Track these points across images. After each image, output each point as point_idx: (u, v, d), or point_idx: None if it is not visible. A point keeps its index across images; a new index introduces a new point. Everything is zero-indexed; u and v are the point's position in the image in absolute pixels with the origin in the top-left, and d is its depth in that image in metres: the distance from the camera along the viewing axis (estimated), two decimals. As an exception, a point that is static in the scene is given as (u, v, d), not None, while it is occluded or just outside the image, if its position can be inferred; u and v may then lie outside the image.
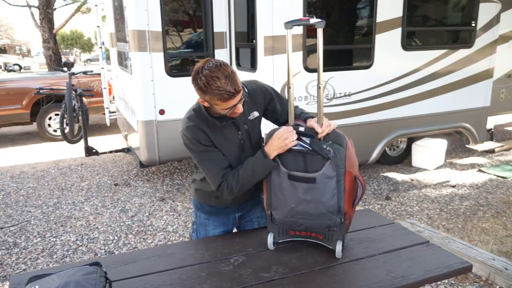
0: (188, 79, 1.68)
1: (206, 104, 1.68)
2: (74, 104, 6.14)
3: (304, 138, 1.68)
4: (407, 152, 5.44)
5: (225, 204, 1.94)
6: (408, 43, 4.61)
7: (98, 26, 5.36)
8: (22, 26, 31.99)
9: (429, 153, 5.25)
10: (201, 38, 4.52)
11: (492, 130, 6.18)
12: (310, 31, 4.04)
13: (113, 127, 6.98)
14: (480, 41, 4.94)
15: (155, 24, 4.11)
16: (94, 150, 5.24)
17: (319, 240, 1.78)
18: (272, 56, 3.91)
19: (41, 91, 6.87)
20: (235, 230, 2.10)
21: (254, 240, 1.88)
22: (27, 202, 4.49)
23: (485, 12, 4.89)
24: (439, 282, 2.77)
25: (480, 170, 5.17)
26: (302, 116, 1.85)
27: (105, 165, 5.79)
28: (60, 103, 6.45)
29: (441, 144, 5.31)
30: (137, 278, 1.61)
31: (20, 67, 24.84)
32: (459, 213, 3.97)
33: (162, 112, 4.27)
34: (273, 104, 1.90)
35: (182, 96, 3.45)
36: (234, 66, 4.58)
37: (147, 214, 4.11)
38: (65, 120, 6.22)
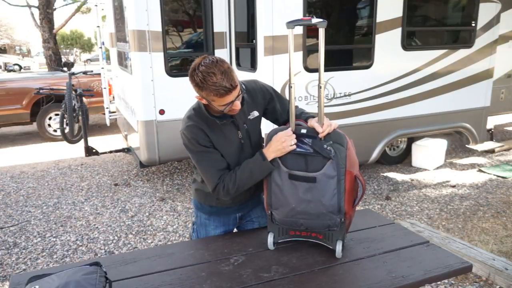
0: (188, 79, 1.68)
1: (204, 101, 1.69)
2: (74, 104, 6.15)
3: (305, 140, 1.67)
4: (407, 152, 5.44)
5: (225, 204, 1.94)
6: (408, 43, 4.61)
7: (98, 26, 5.36)
8: (22, 26, 32.01)
9: (429, 153, 5.25)
10: (201, 38, 4.52)
11: (492, 130, 6.18)
12: (310, 31, 4.04)
13: (113, 127, 6.98)
14: (480, 41, 4.94)
15: (155, 24, 4.11)
16: (94, 150, 5.24)
17: (319, 240, 1.78)
18: (272, 56, 3.91)
19: (41, 91, 6.88)
20: (235, 230, 2.10)
21: (254, 240, 1.88)
22: (27, 202, 4.49)
23: (485, 12, 4.89)
24: (439, 282, 2.77)
25: (480, 170, 5.17)
26: (302, 116, 1.85)
27: (105, 165, 5.79)
28: (60, 103, 6.45)
29: (441, 144, 5.31)
30: (137, 278, 1.61)
31: (20, 67, 24.84)
32: (459, 213, 3.97)
33: (162, 112, 4.27)
34: (273, 104, 1.90)
35: (182, 96, 3.45)
36: (234, 66, 4.58)
37: (147, 214, 4.11)
38: (65, 120, 6.22)
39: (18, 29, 32.08)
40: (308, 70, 4.09)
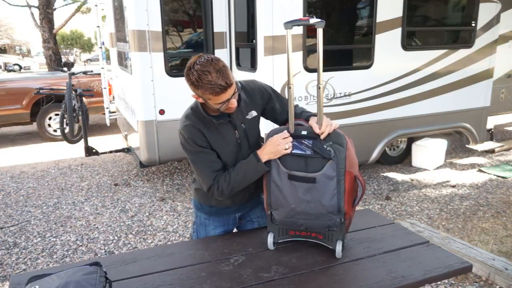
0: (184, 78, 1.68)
1: (200, 100, 1.69)
2: (74, 104, 6.15)
3: (305, 141, 1.67)
4: (407, 152, 5.44)
5: (225, 204, 1.94)
6: (408, 43, 4.61)
7: (98, 26, 5.36)
8: (22, 26, 32.02)
9: (429, 153, 5.25)
10: (201, 38, 4.52)
11: (492, 130, 6.18)
12: (310, 31, 4.04)
13: (113, 127, 6.98)
14: (480, 41, 4.94)
15: (155, 24, 4.11)
16: (94, 150, 5.24)
17: (319, 240, 1.78)
18: (272, 56, 3.91)
19: (41, 91, 6.88)
20: (235, 230, 2.10)
21: (254, 240, 1.88)
22: (27, 202, 4.49)
23: (485, 12, 4.89)
24: (439, 282, 2.77)
25: (480, 170, 5.17)
26: (303, 114, 1.85)
27: (105, 165, 5.79)
28: (60, 103, 6.45)
29: (441, 144, 5.31)
30: (137, 278, 1.61)
31: (20, 67, 24.84)
32: (459, 213, 3.97)
33: (162, 112, 4.27)
34: (271, 104, 1.90)
35: (182, 96, 3.44)
36: (234, 66, 4.58)
37: (147, 214, 4.11)
38: (65, 120, 6.22)
39: (18, 29, 32.10)
40: (308, 70, 4.09)
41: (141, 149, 4.40)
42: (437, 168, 5.30)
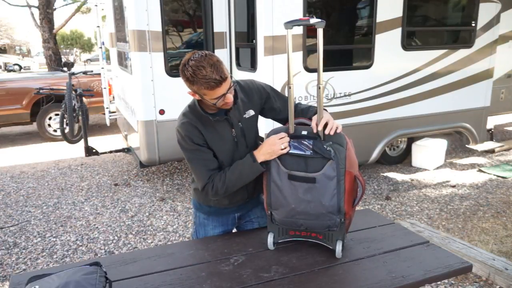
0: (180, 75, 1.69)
1: (196, 96, 1.70)
2: (74, 104, 6.15)
3: (305, 141, 1.67)
4: (407, 152, 5.44)
5: (223, 204, 1.94)
6: (408, 43, 4.61)
7: (98, 26, 5.36)
8: (22, 26, 32.02)
9: (429, 153, 5.25)
10: (201, 38, 4.52)
11: (492, 130, 6.18)
12: (310, 31, 4.04)
13: (113, 127, 6.98)
14: (480, 41, 4.94)
15: (155, 24, 4.11)
16: (94, 150, 5.24)
17: (319, 240, 1.78)
18: (272, 56, 3.91)
19: (41, 91, 6.88)
20: (234, 230, 2.10)
21: (254, 240, 1.88)
22: (27, 202, 4.49)
23: (485, 12, 4.89)
24: (439, 282, 2.77)
25: (480, 170, 5.17)
26: (310, 110, 1.85)
27: (105, 165, 5.79)
28: (60, 103, 6.45)
29: (441, 144, 5.31)
30: (137, 278, 1.61)
31: (20, 67, 24.84)
32: (459, 213, 3.97)
33: (162, 112, 4.27)
34: (270, 103, 1.90)
35: (182, 96, 3.44)
36: (234, 66, 4.58)
37: (147, 214, 4.11)
38: (65, 120, 6.22)
39: (18, 29, 32.10)
40: (308, 70, 4.09)
41: (141, 149, 4.40)
42: (437, 168, 5.30)
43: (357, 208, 1.87)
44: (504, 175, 4.95)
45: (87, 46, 35.51)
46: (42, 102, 7.24)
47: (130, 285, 1.57)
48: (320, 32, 1.60)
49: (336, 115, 4.27)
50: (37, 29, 12.67)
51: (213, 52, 4.43)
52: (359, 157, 1.80)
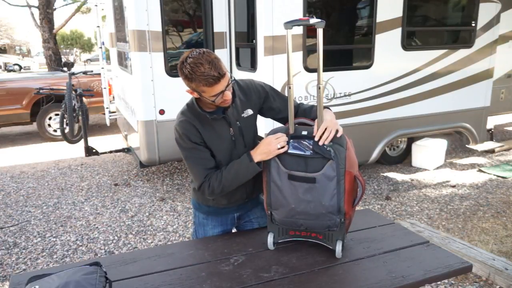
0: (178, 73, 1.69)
1: (195, 94, 1.70)
2: (74, 104, 6.15)
3: (305, 141, 1.67)
4: (407, 152, 5.44)
5: (222, 204, 1.94)
6: (408, 43, 4.61)
7: (98, 26, 5.36)
8: (22, 26, 32.02)
9: (429, 153, 5.25)
10: (201, 38, 4.52)
11: (492, 130, 6.18)
12: (310, 31, 4.04)
13: (113, 127, 6.98)
14: (480, 41, 4.94)
15: (155, 24, 4.11)
16: (94, 150, 5.24)
17: (319, 240, 1.78)
18: (272, 56, 3.91)
19: (41, 91, 6.88)
20: (234, 230, 2.10)
21: (254, 240, 1.88)
22: (27, 202, 4.49)
23: (485, 12, 4.89)
24: (439, 282, 2.77)
25: (480, 170, 5.17)
26: (313, 110, 1.85)
27: (105, 165, 5.79)
28: (60, 103, 6.46)
29: (441, 144, 5.31)
30: (137, 278, 1.61)
31: (20, 67, 24.84)
32: (459, 213, 3.97)
33: (162, 112, 4.27)
34: (269, 103, 1.90)
35: (182, 96, 3.45)
36: (234, 66, 4.58)
37: (147, 214, 4.11)
38: (65, 120, 6.22)
39: (18, 29, 32.10)
40: (308, 70, 4.09)
41: (141, 149, 4.40)
42: (437, 168, 5.30)
43: (357, 208, 1.87)
44: (504, 175, 4.95)
45: (87, 46, 35.51)
46: (42, 102, 7.24)
47: (130, 285, 1.57)
48: (320, 32, 1.60)
49: (336, 115, 4.21)
50: (37, 29, 12.67)
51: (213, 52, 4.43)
52: (359, 157, 1.80)
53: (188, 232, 3.70)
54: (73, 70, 6.61)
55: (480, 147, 5.72)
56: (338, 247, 1.71)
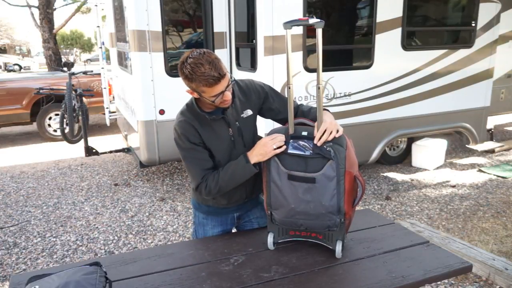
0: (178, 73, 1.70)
1: (195, 94, 1.71)
2: (74, 104, 6.15)
3: (305, 141, 1.67)
4: (407, 152, 5.44)
5: (222, 204, 1.94)
6: (408, 43, 4.61)
7: (98, 26, 5.36)
8: (22, 26, 32.02)
9: (429, 153, 5.25)
10: (201, 38, 4.52)
11: (492, 130, 6.18)
12: (310, 31, 4.04)
13: (113, 127, 6.99)
14: (480, 41, 4.94)
15: (155, 24, 4.11)
16: (94, 150, 5.24)
17: (319, 240, 1.78)
18: (272, 56, 3.91)
19: (41, 91, 6.88)
20: (234, 230, 2.10)
21: (254, 240, 1.88)
22: (27, 202, 4.49)
23: (485, 12, 4.89)
24: (439, 282, 2.77)
25: (480, 170, 5.17)
26: (312, 111, 1.85)
27: (105, 165, 5.79)
28: (60, 103, 6.46)
29: (441, 144, 5.31)
30: (137, 278, 1.61)
31: (20, 67, 24.84)
32: (459, 213, 3.97)
33: (162, 112, 4.27)
34: (268, 103, 1.90)
35: (182, 96, 3.45)
36: (234, 66, 4.58)
37: (147, 214, 4.11)
38: (65, 120, 6.22)
39: (18, 29, 32.09)
40: (308, 70, 4.09)
41: (141, 149, 4.40)
42: (437, 168, 5.30)
43: (357, 208, 1.87)
44: (504, 175, 4.95)
45: (87, 46, 35.51)
46: (42, 102, 7.24)
47: (130, 285, 1.57)
48: (319, 32, 1.60)
49: (336, 115, 4.23)
50: (37, 29, 12.67)
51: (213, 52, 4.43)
52: (359, 157, 1.80)
53: (188, 232, 3.70)
54: (73, 70, 6.61)
55: (480, 147, 5.72)
56: (338, 247, 1.71)
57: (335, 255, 1.71)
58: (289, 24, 1.62)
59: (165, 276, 1.61)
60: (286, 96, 1.78)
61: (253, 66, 4.20)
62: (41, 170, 5.64)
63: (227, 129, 1.81)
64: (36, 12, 12.19)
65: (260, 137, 1.86)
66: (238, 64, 4.55)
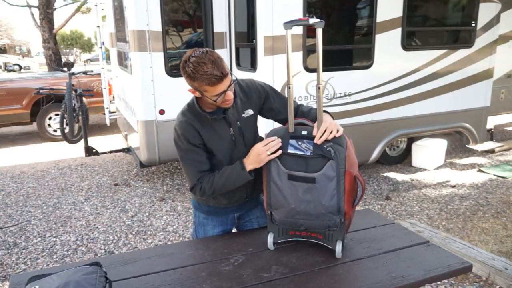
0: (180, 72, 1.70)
1: (197, 94, 1.71)
2: (74, 104, 6.15)
3: (305, 141, 1.67)
4: (407, 152, 5.44)
5: (222, 204, 1.95)
6: (408, 43, 4.61)
7: (98, 26, 5.36)
8: (22, 26, 32.02)
9: (429, 153, 5.25)
10: (201, 38, 4.52)
11: (492, 130, 6.18)
12: (310, 31, 4.04)
13: (113, 127, 6.98)
14: (480, 41, 4.94)
15: (155, 24, 4.11)
16: (94, 150, 5.24)
17: (319, 240, 1.78)
18: (272, 56, 3.91)
19: (41, 91, 6.88)
20: (234, 230, 2.10)
21: (254, 240, 1.88)
22: (27, 202, 4.49)
23: (485, 12, 4.89)
24: (439, 282, 2.77)
25: (480, 170, 5.17)
26: (311, 112, 1.85)
27: (105, 165, 5.79)
28: (60, 103, 6.46)
29: (441, 144, 5.31)
30: (137, 278, 1.61)
31: (20, 67, 24.84)
32: (459, 213, 3.97)
33: (162, 112, 4.27)
34: (269, 103, 1.91)
35: (182, 96, 3.45)
36: (234, 66, 4.58)
37: (147, 214, 4.11)
38: (65, 120, 6.22)
39: (18, 29, 32.09)
40: (308, 70, 4.09)
41: (141, 149, 4.40)
42: (437, 168, 5.30)
43: (357, 208, 1.87)
44: (504, 175, 4.95)
45: (87, 46, 35.50)
46: (42, 102, 7.24)
47: (130, 285, 1.57)
48: (319, 32, 1.60)
49: (336, 115, 4.22)
50: (37, 29, 12.67)
51: (214, 52, 4.43)
52: (359, 157, 1.80)
53: (188, 232, 3.70)
54: (73, 70, 6.61)
55: (480, 147, 5.72)
56: (338, 247, 1.71)
57: (335, 255, 1.71)
58: (289, 24, 1.62)
59: (165, 276, 1.61)
60: (286, 96, 1.78)
61: (253, 66, 4.20)
62: (41, 170, 5.64)
63: (228, 129, 1.81)
64: (36, 12, 12.19)
65: (261, 137, 1.86)
66: (238, 64, 4.55)
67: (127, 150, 5.40)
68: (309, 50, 4.07)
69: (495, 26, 5.00)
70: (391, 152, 5.38)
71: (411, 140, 5.35)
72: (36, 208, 4.33)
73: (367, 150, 4.66)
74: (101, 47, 5.60)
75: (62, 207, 4.33)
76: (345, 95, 4.35)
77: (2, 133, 8.21)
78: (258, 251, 1.79)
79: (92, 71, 7.04)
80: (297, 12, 3.92)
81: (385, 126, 4.67)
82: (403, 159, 5.47)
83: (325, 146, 1.63)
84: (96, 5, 5.32)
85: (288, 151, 1.68)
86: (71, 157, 6.25)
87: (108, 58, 6.45)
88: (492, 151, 5.85)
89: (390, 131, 4.72)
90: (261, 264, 1.68)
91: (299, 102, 1.96)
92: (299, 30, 3.98)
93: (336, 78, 4.26)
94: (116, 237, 3.65)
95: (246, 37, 4.42)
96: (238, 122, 1.83)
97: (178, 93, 4.16)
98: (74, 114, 6.18)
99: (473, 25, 4.89)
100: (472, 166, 5.36)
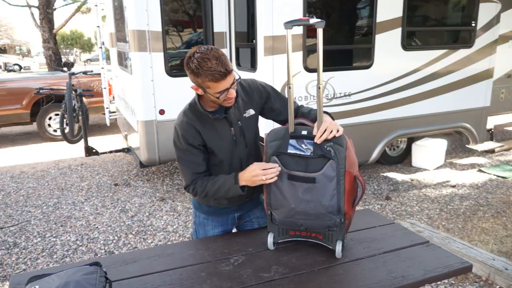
0: (188, 79, 1.69)
1: (199, 91, 1.70)
2: (74, 104, 6.15)
3: (305, 141, 1.67)
4: (407, 152, 5.44)
5: (223, 204, 1.95)
6: (408, 43, 4.61)
7: (98, 26, 5.36)
8: (22, 26, 32.02)
9: (429, 153, 5.25)
10: (201, 38, 4.52)
11: (492, 130, 6.18)
12: (310, 31, 4.04)
13: (113, 127, 6.98)
14: (480, 41, 4.94)
15: (155, 24, 4.11)
16: (94, 150, 5.25)
17: (319, 240, 1.78)
18: (272, 56, 3.91)
19: (41, 91, 6.88)
20: (234, 230, 2.10)
21: (254, 240, 1.88)
22: (27, 202, 4.49)
23: (485, 12, 4.89)
24: (439, 282, 2.77)
25: (480, 170, 5.17)
26: (312, 113, 1.85)
27: (105, 165, 5.79)
28: (60, 103, 6.46)
29: (441, 144, 5.31)
30: (137, 278, 1.61)
31: (20, 67, 24.84)
32: (459, 213, 3.97)
33: (162, 112, 4.27)
34: (270, 104, 1.91)
35: (182, 96, 3.45)
36: (234, 66, 4.58)
37: (147, 214, 4.11)
38: (65, 120, 6.22)
39: (18, 29, 32.09)
40: (308, 70, 4.09)
41: (141, 149, 4.40)
42: (437, 168, 5.30)
43: (357, 208, 1.87)
44: (504, 175, 4.95)
45: (87, 46, 35.50)
46: (42, 102, 7.24)
47: (130, 285, 1.57)
48: (319, 32, 1.59)
49: (336, 115, 4.22)
50: (37, 29, 12.67)
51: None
52: (359, 157, 1.80)
53: (188, 232, 3.70)
54: (73, 70, 6.61)
55: (480, 147, 5.72)
56: (338, 247, 1.71)
57: (335, 255, 1.71)
58: (289, 24, 1.61)
59: (165, 276, 1.61)
60: (287, 96, 1.78)
61: (253, 66, 4.20)
62: (41, 170, 5.64)
63: (229, 129, 1.81)
64: (36, 12, 12.19)
65: (262, 138, 1.86)
66: (238, 64, 4.56)
67: (127, 150, 5.40)
68: (309, 50, 4.07)
69: (495, 26, 5.00)
70: (391, 152, 5.38)
71: (411, 140, 5.35)
72: (36, 208, 4.33)
73: (367, 150, 4.66)
74: (101, 47, 5.60)
75: (62, 207, 4.34)
76: (345, 95, 4.35)
77: (2, 133, 8.21)
78: (258, 251, 1.79)
79: (92, 71, 7.04)
80: (297, 12, 3.92)
81: (385, 126, 4.67)
82: (403, 159, 5.47)
83: (325, 146, 1.63)
84: (96, 5, 5.32)
85: (288, 151, 1.68)
86: (71, 157, 6.25)
87: (108, 58, 6.45)
88: (492, 151, 5.85)
89: (390, 131, 4.72)
90: (261, 264, 1.68)
91: (299, 102, 1.96)
92: (299, 30, 3.98)
93: (336, 78, 4.26)
94: (116, 237, 3.65)
95: (246, 37, 4.43)
96: (239, 122, 1.83)
97: (178, 93, 4.18)
98: (74, 114, 6.18)
99: (473, 25, 4.89)
100: (472, 166, 5.36)
